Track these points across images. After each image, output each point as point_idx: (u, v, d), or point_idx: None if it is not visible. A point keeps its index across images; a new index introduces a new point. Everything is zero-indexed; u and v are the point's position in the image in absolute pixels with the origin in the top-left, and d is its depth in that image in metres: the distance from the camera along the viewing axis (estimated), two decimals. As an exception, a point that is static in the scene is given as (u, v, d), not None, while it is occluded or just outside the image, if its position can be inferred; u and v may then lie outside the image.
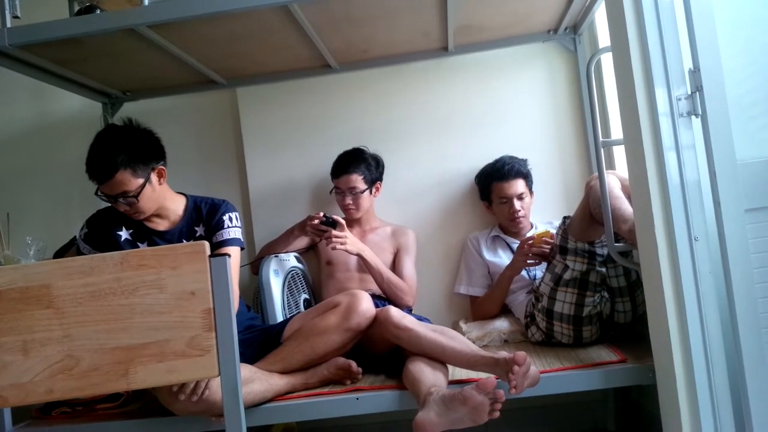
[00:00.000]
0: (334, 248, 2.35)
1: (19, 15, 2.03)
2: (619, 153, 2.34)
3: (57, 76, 2.39)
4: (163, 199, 2.06)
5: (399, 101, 2.77)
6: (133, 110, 2.68)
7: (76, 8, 2.30)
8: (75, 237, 2.46)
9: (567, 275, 2.04)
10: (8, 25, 1.97)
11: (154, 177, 1.99)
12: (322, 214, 2.41)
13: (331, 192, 2.61)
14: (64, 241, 2.45)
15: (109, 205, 2.06)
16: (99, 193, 1.98)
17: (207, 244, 1.06)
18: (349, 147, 2.63)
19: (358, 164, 2.55)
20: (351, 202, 2.55)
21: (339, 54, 2.56)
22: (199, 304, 1.03)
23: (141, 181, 1.94)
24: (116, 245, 2.07)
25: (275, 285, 2.42)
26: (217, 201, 2.15)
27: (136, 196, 1.94)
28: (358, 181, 2.53)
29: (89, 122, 2.76)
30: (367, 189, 2.55)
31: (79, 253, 2.16)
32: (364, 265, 2.45)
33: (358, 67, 2.71)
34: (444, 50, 2.65)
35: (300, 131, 2.80)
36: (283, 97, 2.79)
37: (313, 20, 2.12)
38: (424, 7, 2.14)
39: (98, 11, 2.02)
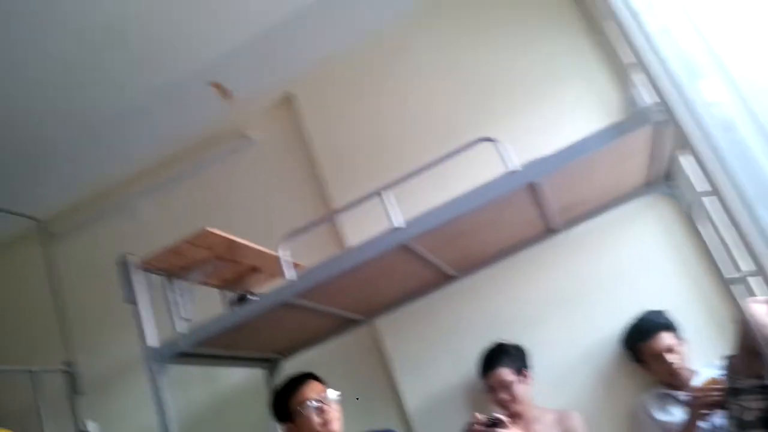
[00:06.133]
0: (503, 448, 2.36)
1: (189, 317, 2.39)
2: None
3: (223, 358, 2.69)
4: None
5: (525, 287, 2.89)
6: (290, 367, 2.93)
7: (228, 297, 2.68)
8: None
9: (748, 416, 1.95)
10: (181, 332, 2.31)
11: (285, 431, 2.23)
12: (480, 416, 2.44)
13: (484, 392, 2.66)
14: None
15: None
16: None
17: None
18: (489, 344, 2.71)
19: (501, 357, 2.62)
20: (506, 395, 2.57)
21: (456, 264, 2.76)
22: None
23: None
24: None
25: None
26: (378, 431, 2.29)
27: None
28: (505, 373, 2.58)
29: (255, 388, 3.05)
30: (516, 378, 2.58)
31: None
32: (537, 458, 2.43)
33: (478, 269, 2.89)
34: (551, 231, 2.80)
35: (441, 342, 2.94)
36: (417, 315, 2.97)
37: (429, 247, 2.35)
38: (522, 205, 2.35)
39: (249, 295, 2.36)
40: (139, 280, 2.32)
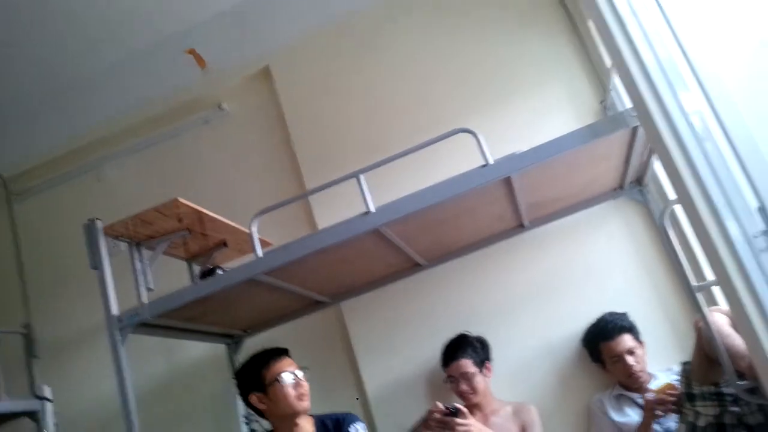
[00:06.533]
0: (460, 440, 2.39)
1: (152, 287, 2.36)
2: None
3: (186, 330, 2.67)
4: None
5: (491, 281, 2.92)
6: (253, 344, 2.92)
7: (195, 270, 2.66)
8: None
9: (701, 422, 2.00)
10: (145, 301, 2.28)
11: (253, 400, 2.24)
12: (441, 405, 2.47)
13: (445, 382, 2.69)
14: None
15: None
16: None
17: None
18: (452, 334, 2.73)
19: (465, 349, 2.65)
20: (466, 387, 2.60)
21: (426, 253, 2.78)
22: None
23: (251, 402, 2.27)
24: None
25: (414, 489, 2.45)
26: (341, 415, 2.31)
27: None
28: (467, 365, 2.61)
29: (216, 363, 3.04)
30: (478, 371, 2.61)
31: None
32: (495, 451, 2.45)
33: (446, 260, 2.91)
34: (521, 227, 2.83)
35: (405, 329, 2.95)
36: (383, 301, 2.98)
37: (400, 233, 2.36)
38: (495, 199, 2.37)
39: (219, 270, 2.34)
40: (104, 246, 2.29)
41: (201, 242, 2.60)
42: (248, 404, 2.29)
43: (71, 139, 3.62)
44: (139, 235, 2.35)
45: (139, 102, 3.48)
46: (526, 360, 2.81)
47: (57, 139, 3.59)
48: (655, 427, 2.36)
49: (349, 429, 2.25)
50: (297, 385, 2.22)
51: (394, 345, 2.95)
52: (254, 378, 2.24)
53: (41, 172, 3.71)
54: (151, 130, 3.57)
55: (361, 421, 2.30)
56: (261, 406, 2.24)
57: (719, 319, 1.97)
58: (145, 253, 2.41)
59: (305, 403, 2.23)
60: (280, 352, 2.30)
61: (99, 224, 2.30)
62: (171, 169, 3.51)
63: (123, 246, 2.39)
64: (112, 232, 2.30)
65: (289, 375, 2.22)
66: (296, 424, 2.24)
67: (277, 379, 2.20)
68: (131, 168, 3.60)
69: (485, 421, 2.58)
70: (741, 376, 1.88)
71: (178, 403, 3.17)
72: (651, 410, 2.30)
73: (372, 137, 3.15)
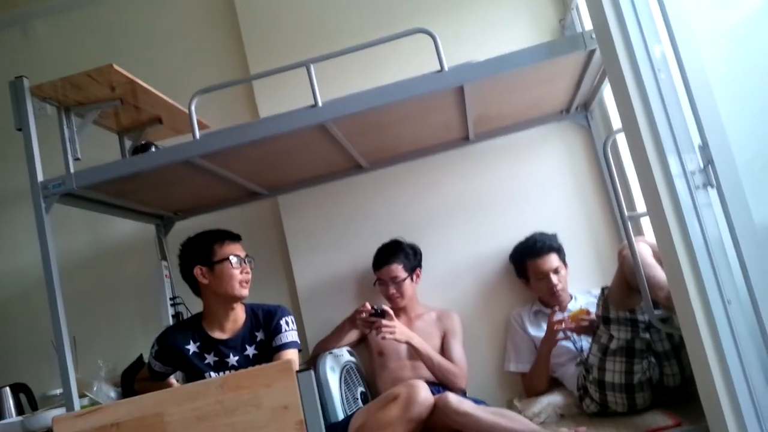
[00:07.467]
0: (384, 338, 2.45)
1: (79, 156, 2.26)
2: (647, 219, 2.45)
3: (115, 206, 2.58)
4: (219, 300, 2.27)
5: (429, 191, 2.92)
6: (184, 227, 2.87)
7: (127, 144, 2.55)
8: (141, 356, 2.61)
9: (613, 345, 2.11)
10: (72, 170, 2.18)
11: (197, 272, 2.23)
12: (369, 306, 2.52)
13: (374, 284, 2.73)
14: (129, 360, 2.61)
15: (175, 323, 2.31)
16: None
17: (294, 361, 1.19)
18: (386, 239, 2.77)
19: (397, 254, 2.69)
20: (395, 291, 2.66)
21: (369, 155, 2.75)
22: (292, 417, 1.15)
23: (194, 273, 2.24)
24: (185, 359, 2.22)
25: (333, 381, 2.52)
26: (273, 307, 2.32)
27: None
28: (398, 270, 2.66)
29: (145, 243, 2.98)
30: (407, 277, 2.67)
31: (151, 370, 2.31)
32: (414, 352, 2.53)
33: (388, 164, 2.88)
34: (465, 139, 2.82)
35: (339, 229, 2.95)
36: (320, 199, 2.96)
37: (346, 132, 2.31)
38: (445, 107, 2.33)
39: (153, 147, 2.24)
40: (30, 107, 2.15)
41: (134, 115, 2.48)
42: (187, 275, 2.28)
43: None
44: (69, 99, 2.22)
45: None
46: (454, 270, 2.87)
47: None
48: (569, 345, 2.48)
49: (281, 322, 2.25)
50: (243, 271, 2.25)
51: (328, 243, 2.95)
52: (205, 250, 2.23)
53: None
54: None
55: (291, 315, 2.32)
56: (202, 280, 2.23)
57: (644, 249, 2.05)
58: (75, 120, 2.28)
59: (245, 290, 2.25)
60: (236, 236, 2.32)
61: (26, 82, 2.14)
62: (107, 34, 3.27)
63: (50, 109, 2.25)
64: (40, 93, 2.16)
65: (240, 259, 2.24)
66: (231, 308, 2.26)
67: (228, 258, 2.21)
68: (64, 27, 3.33)
69: (409, 324, 2.65)
70: (656, 306, 1.97)
71: (103, 279, 3.12)
72: (554, 330, 2.41)
73: (324, 29, 3.00)
